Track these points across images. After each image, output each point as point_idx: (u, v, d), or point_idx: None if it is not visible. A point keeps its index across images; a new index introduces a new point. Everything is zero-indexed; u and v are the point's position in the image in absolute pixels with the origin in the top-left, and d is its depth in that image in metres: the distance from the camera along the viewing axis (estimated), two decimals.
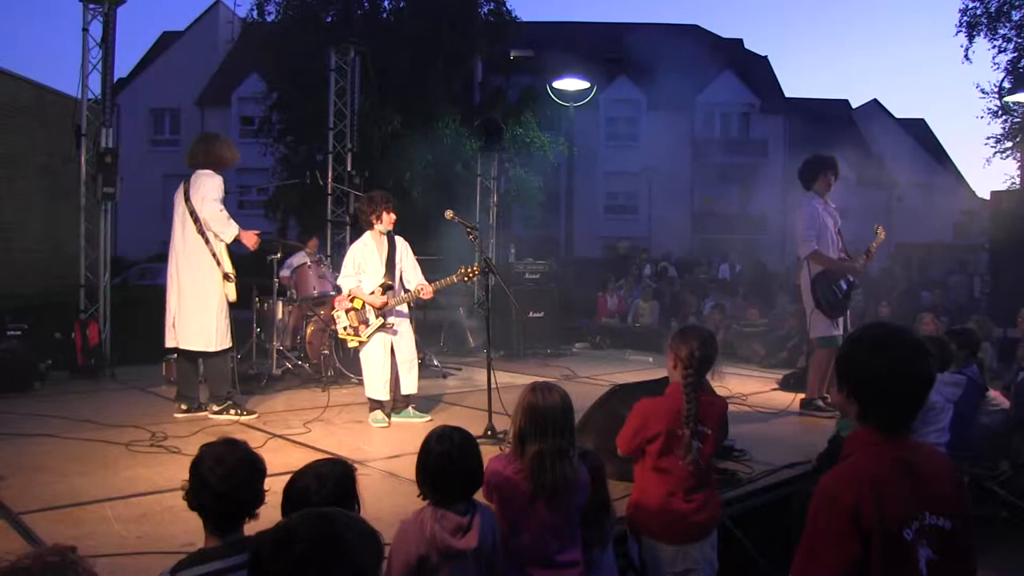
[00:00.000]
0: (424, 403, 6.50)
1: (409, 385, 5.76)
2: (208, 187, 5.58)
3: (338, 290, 6.31)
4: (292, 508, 2.05)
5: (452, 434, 2.42)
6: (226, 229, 5.59)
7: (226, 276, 5.64)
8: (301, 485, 2.20)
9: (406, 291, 5.73)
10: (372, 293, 5.63)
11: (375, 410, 5.68)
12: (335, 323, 5.76)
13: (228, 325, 5.72)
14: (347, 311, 5.65)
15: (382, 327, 5.64)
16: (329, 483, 2.20)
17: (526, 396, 2.61)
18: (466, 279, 5.51)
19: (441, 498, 2.36)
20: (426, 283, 5.66)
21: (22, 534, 3.26)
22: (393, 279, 5.72)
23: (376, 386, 5.65)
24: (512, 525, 2.55)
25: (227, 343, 5.74)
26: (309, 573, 1.38)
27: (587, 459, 2.79)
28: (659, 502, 2.95)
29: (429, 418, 5.77)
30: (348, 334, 5.64)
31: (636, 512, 3.03)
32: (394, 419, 5.71)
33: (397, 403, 5.77)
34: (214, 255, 5.58)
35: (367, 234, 5.78)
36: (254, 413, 5.81)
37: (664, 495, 2.95)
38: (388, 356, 5.69)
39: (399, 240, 5.84)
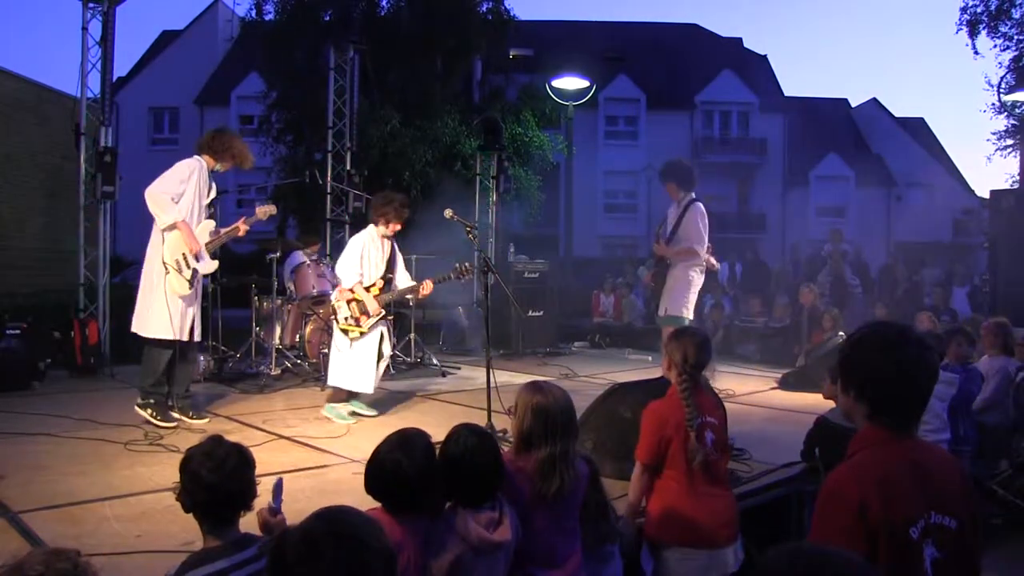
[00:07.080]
0: (423, 402, 6.51)
1: (377, 378, 5.85)
2: (172, 169, 5.26)
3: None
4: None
5: (468, 436, 2.42)
6: (160, 211, 5.14)
7: (165, 265, 5.17)
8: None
9: (403, 287, 5.80)
10: (373, 285, 5.68)
11: (347, 401, 5.64)
12: (335, 313, 5.71)
13: (169, 317, 5.15)
14: (348, 301, 5.65)
15: (383, 318, 5.69)
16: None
17: (533, 396, 2.57)
18: (462, 275, 5.61)
19: (469, 500, 2.35)
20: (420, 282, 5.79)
21: (21, 533, 3.25)
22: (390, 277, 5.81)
23: (367, 380, 5.64)
24: None
25: (160, 333, 5.18)
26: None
27: (583, 460, 2.78)
28: (686, 506, 2.88)
29: (375, 413, 5.78)
30: (349, 324, 5.62)
31: (662, 523, 2.92)
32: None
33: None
34: (162, 238, 5.20)
35: (372, 229, 5.80)
36: (173, 423, 5.23)
37: (690, 497, 2.89)
38: (378, 351, 5.72)
39: (394, 243, 5.93)
